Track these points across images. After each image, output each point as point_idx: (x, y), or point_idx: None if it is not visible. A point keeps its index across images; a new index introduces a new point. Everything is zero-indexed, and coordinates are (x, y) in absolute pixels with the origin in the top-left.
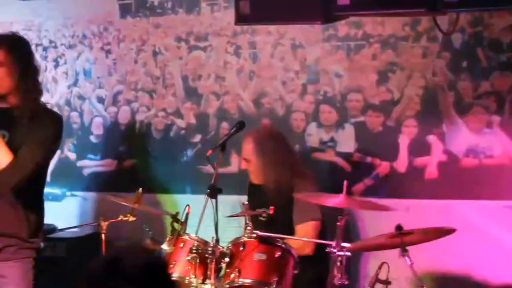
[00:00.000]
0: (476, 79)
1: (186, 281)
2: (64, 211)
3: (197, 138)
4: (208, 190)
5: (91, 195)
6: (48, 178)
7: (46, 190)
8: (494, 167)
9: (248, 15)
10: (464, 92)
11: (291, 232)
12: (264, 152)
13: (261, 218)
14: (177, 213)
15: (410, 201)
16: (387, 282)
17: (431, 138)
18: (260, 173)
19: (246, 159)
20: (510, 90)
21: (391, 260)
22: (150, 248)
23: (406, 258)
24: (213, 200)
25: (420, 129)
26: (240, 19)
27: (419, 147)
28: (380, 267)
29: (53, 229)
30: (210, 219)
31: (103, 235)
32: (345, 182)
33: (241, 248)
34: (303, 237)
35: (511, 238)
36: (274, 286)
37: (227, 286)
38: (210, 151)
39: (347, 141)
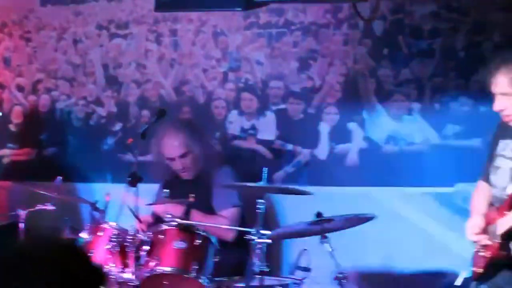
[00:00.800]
0: (397, 66)
1: (106, 270)
2: None
3: (118, 126)
4: (129, 179)
5: (10, 184)
6: None
7: None
8: (415, 154)
9: (168, 2)
10: (385, 79)
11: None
12: (193, 146)
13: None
14: (96, 202)
15: (331, 188)
16: (307, 269)
17: (352, 125)
18: (194, 168)
19: (170, 158)
20: (430, 77)
21: (312, 247)
22: (67, 236)
23: (326, 245)
24: (134, 189)
25: (341, 116)
26: (160, 6)
27: (340, 134)
28: (300, 254)
29: None
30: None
31: (21, 224)
32: (265, 169)
33: (161, 236)
34: (224, 223)
35: (431, 225)
36: (195, 273)
37: (147, 274)
38: (130, 140)
39: (268, 128)
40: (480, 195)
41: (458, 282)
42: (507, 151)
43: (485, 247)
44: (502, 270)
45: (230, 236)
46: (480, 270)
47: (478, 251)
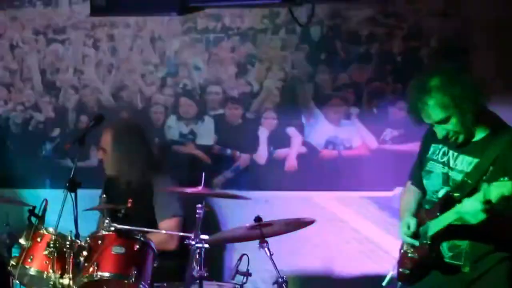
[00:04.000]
0: (335, 71)
1: (44, 276)
2: None
3: (56, 132)
4: (67, 184)
5: None
6: None
7: None
8: (353, 158)
9: (104, 7)
10: (323, 84)
11: (152, 227)
12: (120, 144)
13: (119, 215)
14: (34, 207)
15: (270, 193)
16: (247, 274)
17: (291, 130)
18: (114, 165)
19: (102, 148)
20: (367, 82)
21: (252, 251)
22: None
23: (266, 249)
24: (73, 194)
25: (279, 121)
26: (95, 10)
27: (279, 139)
28: (240, 259)
29: None
30: (70, 213)
31: None
32: (203, 174)
33: (99, 242)
34: (164, 237)
35: (370, 228)
36: (133, 279)
37: (85, 280)
38: (68, 145)
39: (206, 133)
40: (409, 196)
41: (385, 282)
42: (438, 155)
43: (413, 248)
44: (430, 273)
45: (171, 248)
46: (407, 271)
47: (406, 252)
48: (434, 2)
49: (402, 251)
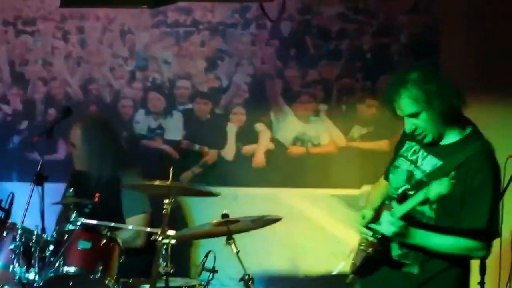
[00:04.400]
0: (304, 67)
1: (10, 270)
2: None
3: (24, 124)
4: (35, 178)
5: None
6: None
7: None
8: (321, 155)
9: None
10: (292, 80)
11: (120, 223)
12: (89, 139)
13: (86, 210)
14: (1, 201)
15: (238, 189)
16: (213, 271)
17: (259, 126)
18: (84, 160)
19: (72, 143)
20: (337, 78)
21: (218, 248)
22: None
23: (232, 246)
24: (40, 188)
25: (248, 117)
26: (65, 2)
27: (247, 135)
28: (206, 256)
29: None
30: (37, 206)
31: None
32: (171, 169)
33: (66, 237)
34: (131, 234)
35: (337, 226)
36: (99, 274)
37: (52, 274)
38: (36, 138)
39: (175, 128)
40: (376, 190)
41: (335, 271)
42: (409, 153)
43: (366, 241)
44: (381, 268)
45: (139, 244)
46: (357, 263)
47: (359, 244)
48: None
49: (358, 244)
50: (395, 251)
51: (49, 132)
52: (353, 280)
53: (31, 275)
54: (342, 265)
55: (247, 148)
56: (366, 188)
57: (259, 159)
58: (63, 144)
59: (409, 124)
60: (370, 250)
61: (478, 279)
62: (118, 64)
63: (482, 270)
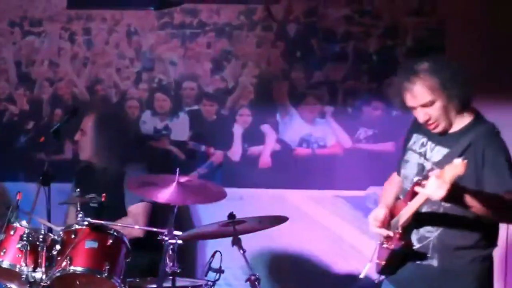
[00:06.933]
0: (310, 69)
1: (17, 269)
2: None
3: (30, 124)
4: (41, 178)
5: None
6: None
7: None
8: (327, 157)
9: (80, 0)
10: (298, 82)
11: (123, 214)
12: (102, 129)
13: (92, 205)
14: (8, 200)
15: (244, 190)
16: (220, 271)
17: (265, 127)
18: (92, 148)
19: (82, 130)
20: (343, 80)
21: (225, 248)
22: None
23: (239, 246)
24: (46, 188)
25: (254, 118)
26: (72, 3)
27: (253, 136)
28: (213, 256)
29: None
30: (43, 206)
31: None
32: (177, 170)
33: (73, 236)
34: (134, 217)
35: (343, 227)
36: (106, 274)
37: (58, 274)
38: (42, 138)
39: (181, 129)
40: (389, 187)
41: (362, 274)
42: (417, 145)
43: (387, 239)
44: (406, 263)
45: (138, 234)
46: (383, 263)
47: (381, 243)
48: (410, 0)
49: (378, 242)
50: (415, 245)
51: (55, 132)
52: (380, 280)
53: (38, 274)
54: (368, 266)
55: (253, 149)
56: (372, 189)
57: (265, 160)
58: (69, 144)
59: (421, 114)
60: (392, 246)
61: None
62: (124, 65)
63: None
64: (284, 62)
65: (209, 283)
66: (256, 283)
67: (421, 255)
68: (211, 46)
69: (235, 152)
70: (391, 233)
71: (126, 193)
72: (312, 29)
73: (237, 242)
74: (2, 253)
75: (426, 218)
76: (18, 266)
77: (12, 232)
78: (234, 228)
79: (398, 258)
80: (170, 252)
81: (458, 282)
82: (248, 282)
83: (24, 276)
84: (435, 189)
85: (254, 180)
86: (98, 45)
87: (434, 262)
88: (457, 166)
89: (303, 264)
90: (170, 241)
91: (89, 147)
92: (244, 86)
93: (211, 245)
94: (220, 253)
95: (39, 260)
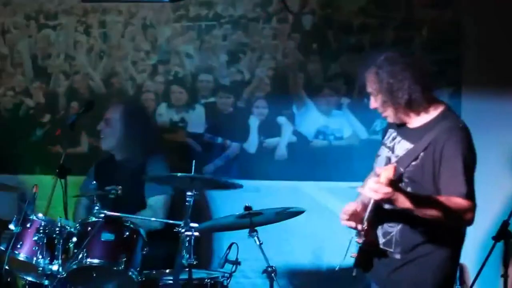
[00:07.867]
0: (326, 61)
1: (34, 262)
2: None
3: (47, 118)
4: (57, 170)
5: None
6: None
7: None
8: (343, 149)
9: None
10: (314, 74)
11: (142, 207)
12: (128, 120)
13: (110, 196)
14: (24, 193)
15: (260, 182)
16: (236, 263)
17: (281, 119)
18: (116, 139)
19: (107, 119)
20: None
21: (241, 240)
22: None
23: (255, 238)
24: (62, 180)
25: (270, 110)
26: None
27: (269, 128)
28: (229, 248)
29: None
30: (60, 199)
31: None
32: (193, 162)
33: (89, 228)
34: (153, 210)
35: None
36: (123, 266)
37: (75, 266)
38: (59, 131)
39: (197, 121)
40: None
41: (337, 267)
42: (389, 139)
43: (357, 234)
44: (374, 257)
45: (157, 226)
46: (355, 255)
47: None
48: None
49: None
50: (380, 239)
51: (72, 125)
52: (358, 273)
53: (55, 267)
54: (342, 259)
55: (269, 141)
56: None
57: (282, 152)
58: (85, 137)
59: (371, 101)
60: (360, 240)
61: (502, 271)
62: (140, 57)
63: (505, 262)
64: (300, 54)
65: (225, 275)
66: (273, 274)
67: (385, 251)
68: (227, 38)
69: (251, 144)
70: (359, 227)
71: (147, 186)
72: (328, 21)
73: (253, 234)
74: (18, 246)
75: (388, 214)
76: (34, 258)
77: (28, 225)
78: (250, 220)
79: (366, 252)
80: (187, 244)
81: (417, 267)
82: (264, 274)
83: (40, 268)
84: (368, 190)
85: (270, 172)
86: (114, 38)
87: (397, 256)
88: (388, 170)
89: (320, 256)
90: (186, 233)
91: (113, 137)
92: (260, 78)
93: (228, 237)
94: (237, 245)
95: (55, 253)
